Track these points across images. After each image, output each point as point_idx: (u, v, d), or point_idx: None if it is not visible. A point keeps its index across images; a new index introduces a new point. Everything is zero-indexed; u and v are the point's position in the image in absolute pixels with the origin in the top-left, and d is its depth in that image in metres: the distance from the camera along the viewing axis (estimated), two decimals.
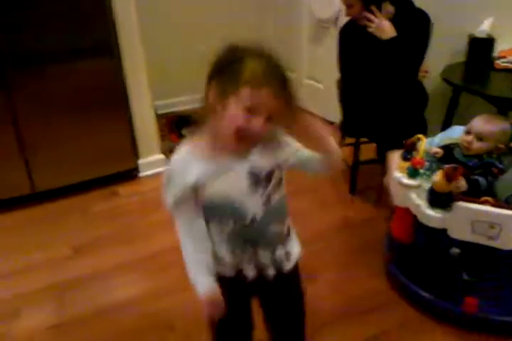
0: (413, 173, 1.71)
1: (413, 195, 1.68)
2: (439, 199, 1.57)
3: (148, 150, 2.83)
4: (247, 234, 1.13)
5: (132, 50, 2.58)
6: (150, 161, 2.83)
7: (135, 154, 2.79)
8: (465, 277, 1.80)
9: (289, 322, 1.36)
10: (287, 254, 1.20)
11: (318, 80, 3.60)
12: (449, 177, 1.49)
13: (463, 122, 1.96)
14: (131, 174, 2.80)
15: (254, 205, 1.09)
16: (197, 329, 1.60)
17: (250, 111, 0.97)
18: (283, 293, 1.28)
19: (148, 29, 2.78)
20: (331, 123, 3.45)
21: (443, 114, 2.55)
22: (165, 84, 3.54)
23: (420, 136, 1.78)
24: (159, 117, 3.56)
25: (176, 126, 3.42)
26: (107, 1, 2.41)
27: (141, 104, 2.71)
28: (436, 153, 1.82)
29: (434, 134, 2.02)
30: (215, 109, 1.01)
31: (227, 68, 0.99)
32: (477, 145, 1.71)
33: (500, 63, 2.47)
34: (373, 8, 2.18)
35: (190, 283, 1.52)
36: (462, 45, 2.56)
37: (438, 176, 1.53)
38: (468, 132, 1.75)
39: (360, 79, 2.32)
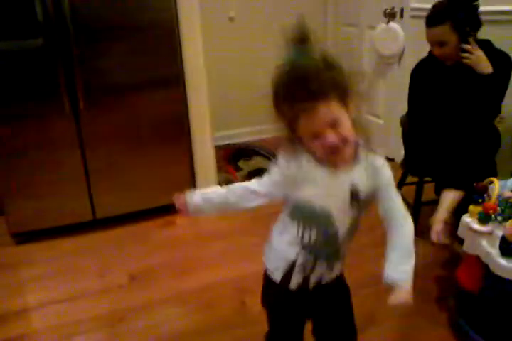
0: (485, 219, 1.62)
1: (484, 242, 1.59)
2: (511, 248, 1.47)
3: (206, 181, 2.85)
4: (322, 247, 1.19)
5: (197, 82, 2.66)
6: None
7: (193, 184, 2.82)
8: None
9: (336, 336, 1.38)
10: (331, 267, 1.25)
11: (378, 116, 3.55)
12: None
13: None
14: None
15: (345, 219, 1.16)
16: None
17: (315, 134, 1.06)
18: (327, 302, 1.33)
19: (213, 62, 2.86)
20: (391, 159, 3.39)
21: None
22: (224, 116, 3.61)
23: (493, 179, 1.69)
24: (217, 149, 3.62)
25: (233, 158, 3.45)
26: (176, 34, 2.51)
27: (202, 135, 2.77)
28: (510, 197, 1.71)
29: (504, 178, 1.92)
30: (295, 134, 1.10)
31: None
32: None
33: None
34: (471, 40, 2.09)
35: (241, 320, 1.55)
36: None
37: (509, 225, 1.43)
38: None
39: (432, 118, 2.25)
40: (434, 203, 2.39)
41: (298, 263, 1.21)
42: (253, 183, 1.25)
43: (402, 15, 3.14)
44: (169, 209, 2.73)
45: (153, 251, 2.44)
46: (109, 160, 2.55)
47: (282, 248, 1.23)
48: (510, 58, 2.14)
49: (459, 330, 1.78)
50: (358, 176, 1.13)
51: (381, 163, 1.17)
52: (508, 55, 2.15)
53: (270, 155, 3.48)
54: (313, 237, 1.17)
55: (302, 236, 1.18)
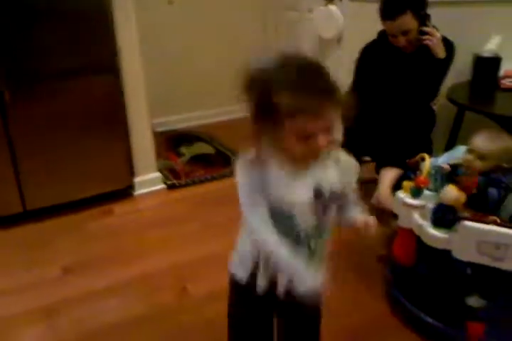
0: (416, 192, 1.64)
1: (416, 215, 1.61)
2: (444, 218, 1.49)
3: (145, 168, 2.77)
4: (297, 243, 1.13)
5: (132, 68, 2.56)
6: (146, 179, 2.78)
7: (131, 172, 2.73)
8: (469, 302, 1.71)
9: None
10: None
11: None
12: (466, 188, 1.42)
13: (468, 142, 1.90)
14: (126, 192, 2.73)
15: (308, 219, 1.11)
16: None
17: (306, 136, 0.98)
18: (294, 311, 1.26)
19: (148, 47, 2.77)
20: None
21: (447, 134, 2.49)
22: (164, 101, 3.52)
23: (424, 155, 1.71)
24: (157, 135, 3.53)
25: (174, 144, 3.37)
26: (110, 20, 2.40)
27: (139, 122, 2.67)
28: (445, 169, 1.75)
29: (438, 154, 1.96)
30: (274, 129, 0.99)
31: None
32: (478, 165, 1.62)
33: (506, 83, 2.43)
34: (429, 24, 2.13)
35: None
36: (467, 64, 2.52)
37: (451, 189, 1.45)
38: (470, 151, 1.67)
39: (373, 100, 2.27)
40: (373, 182, 2.43)
41: (261, 263, 1.16)
42: (258, 205, 1.10)
43: None
44: (107, 198, 2.65)
45: (89, 241, 2.34)
46: (40, 149, 2.41)
47: (246, 249, 1.18)
48: (453, 45, 2.20)
49: (395, 303, 1.81)
50: (323, 175, 1.09)
51: (353, 164, 1.18)
52: (452, 42, 2.20)
53: (212, 141, 3.44)
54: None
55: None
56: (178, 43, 3.58)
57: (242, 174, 1.07)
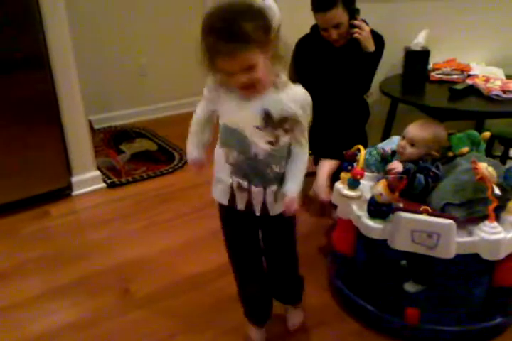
0: (353, 184, 1.68)
1: (354, 206, 1.65)
2: (379, 209, 1.54)
3: (83, 166, 2.68)
4: (247, 168, 1.30)
5: (63, 62, 2.45)
6: (84, 178, 2.69)
7: (68, 171, 2.63)
8: (406, 288, 1.78)
9: (278, 257, 1.55)
10: (276, 195, 1.35)
11: None
12: (393, 188, 1.46)
13: (401, 133, 1.97)
14: (63, 193, 2.64)
15: (259, 142, 1.25)
16: None
17: (228, 74, 1.15)
18: (273, 232, 1.48)
19: (82, 42, 2.68)
20: None
21: (382, 126, 2.57)
22: (104, 97, 3.42)
23: (360, 146, 1.76)
24: (97, 132, 3.43)
25: (114, 141, 3.29)
26: (36, 11, 2.28)
27: (74, 118, 2.57)
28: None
29: (374, 145, 2.02)
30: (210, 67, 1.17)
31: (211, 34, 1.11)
32: (409, 151, 1.69)
33: (434, 75, 2.53)
34: (359, 18, 2.16)
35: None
36: (399, 58, 2.61)
37: (380, 186, 1.49)
38: (403, 137, 1.74)
39: (308, 92, 2.29)
40: (311, 175, 2.47)
41: (234, 186, 1.34)
42: (197, 113, 1.37)
43: None
44: (43, 199, 2.55)
45: (24, 245, 2.25)
46: None
47: (219, 175, 1.36)
48: (383, 39, 2.25)
49: (338, 293, 1.86)
50: (270, 102, 1.22)
51: (301, 97, 1.27)
52: (381, 36, 2.25)
53: (153, 137, 3.38)
54: (235, 157, 1.30)
55: (227, 158, 1.31)
56: (113, 36, 3.46)
57: (204, 92, 1.30)
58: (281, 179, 1.34)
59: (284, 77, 1.26)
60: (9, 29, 2.24)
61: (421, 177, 1.59)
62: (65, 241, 2.28)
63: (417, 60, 2.54)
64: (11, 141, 2.38)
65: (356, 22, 2.16)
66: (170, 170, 2.95)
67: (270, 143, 1.27)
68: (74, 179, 2.67)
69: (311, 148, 2.34)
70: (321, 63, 2.27)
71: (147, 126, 3.58)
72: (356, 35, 2.16)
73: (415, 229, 1.48)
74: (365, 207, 1.61)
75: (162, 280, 2.00)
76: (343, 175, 1.75)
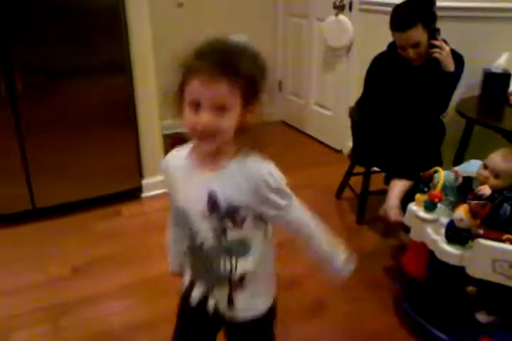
0: (430, 206, 1.66)
1: (429, 230, 1.63)
2: (458, 235, 1.52)
3: (153, 170, 2.76)
4: (197, 256, 1.08)
5: (144, 68, 2.56)
6: (154, 182, 2.76)
7: (140, 174, 2.73)
8: (479, 318, 1.73)
9: None
10: (230, 303, 1.07)
11: (326, 107, 3.59)
12: (476, 214, 1.43)
13: (475, 156, 1.93)
14: (134, 194, 2.74)
15: (205, 230, 1.02)
16: None
17: (196, 104, 0.93)
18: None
19: (162, 48, 2.76)
20: (338, 151, 3.44)
21: (456, 147, 2.52)
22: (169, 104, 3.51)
23: (438, 168, 1.74)
24: (165, 137, 3.52)
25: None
26: (122, 19, 2.41)
27: (150, 122, 2.68)
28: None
29: (447, 167, 1.99)
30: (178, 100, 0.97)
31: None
32: (493, 182, 1.65)
33: None
34: (439, 37, 2.15)
35: None
36: (477, 79, 2.56)
37: (462, 211, 1.47)
38: (485, 167, 1.70)
39: (384, 111, 2.29)
40: (381, 193, 2.45)
41: (190, 273, 1.12)
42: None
43: (350, 8, 3.17)
44: (115, 199, 2.65)
45: (97, 242, 2.34)
46: (50, 147, 2.42)
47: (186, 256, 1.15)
48: (463, 59, 2.23)
49: (405, 316, 1.82)
50: (221, 183, 0.98)
51: (268, 172, 0.97)
52: (461, 56, 2.23)
53: None
54: (185, 243, 1.09)
55: (182, 240, 1.11)
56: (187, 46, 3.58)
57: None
58: (239, 281, 1.06)
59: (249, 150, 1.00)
60: (97, 37, 2.37)
61: (507, 206, 1.55)
62: (134, 241, 2.36)
63: (496, 82, 2.48)
64: (91, 142, 2.50)
65: (436, 42, 2.15)
66: None
67: (218, 235, 1.01)
68: (144, 181, 2.76)
69: (381, 165, 2.36)
70: (398, 82, 2.26)
71: None
72: (436, 54, 2.14)
73: (497, 258, 1.44)
74: (442, 230, 1.59)
75: None
76: (418, 196, 1.73)
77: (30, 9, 2.19)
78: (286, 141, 3.72)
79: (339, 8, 3.22)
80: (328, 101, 3.55)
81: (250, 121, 0.97)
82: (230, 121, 0.93)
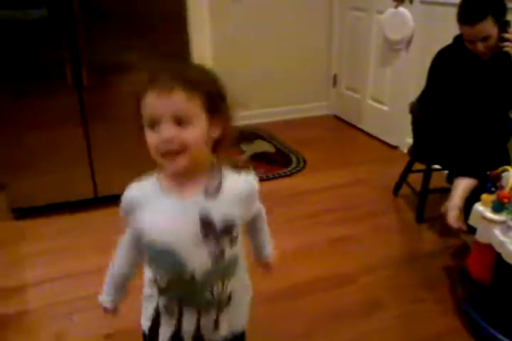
0: (499, 207, 1.60)
1: (497, 231, 1.57)
2: None
3: None
4: (179, 291, 0.99)
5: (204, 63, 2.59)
6: None
7: None
8: None
9: None
10: (216, 326, 1.03)
11: (383, 102, 3.52)
12: None
13: None
14: None
15: (198, 258, 0.95)
16: None
17: (155, 122, 0.88)
18: None
19: (220, 43, 2.80)
20: (394, 147, 3.37)
21: None
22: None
23: (508, 167, 1.67)
24: None
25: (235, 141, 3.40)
26: (184, 21, 2.47)
27: None
28: None
29: None
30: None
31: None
32: None
33: None
34: (510, 30, 2.08)
35: None
36: None
37: None
38: None
39: (448, 106, 2.22)
40: (441, 191, 2.39)
41: (161, 311, 1.03)
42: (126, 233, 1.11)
43: (411, 1, 3.09)
44: None
45: None
46: (112, 138, 2.47)
47: (147, 293, 1.06)
48: None
49: (467, 318, 1.77)
50: (212, 203, 0.94)
51: (247, 183, 1.00)
52: None
53: (271, 139, 3.45)
54: (165, 280, 0.99)
55: (155, 280, 1.01)
56: (242, 41, 3.61)
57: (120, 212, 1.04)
58: (228, 300, 1.02)
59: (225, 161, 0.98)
60: (159, 32, 2.42)
61: None
62: None
63: None
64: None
65: (507, 35, 2.06)
66: (288, 173, 3.00)
67: (217, 255, 0.96)
68: None
69: (444, 163, 2.29)
70: (465, 76, 2.18)
71: (263, 128, 3.67)
72: (507, 48, 2.06)
73: None
74: (510, 232, 1.53)
75: (278, 282, 1.97)
76: (485, 196, 1.68)
77: (95, 8, 2.28)
78: (339, 136, 3.68)
79: (399, 1, 3.14)
80: (384, 96, 3.48)
81: (228, 134, 0.95)
82: (194, 134, 0.88)
